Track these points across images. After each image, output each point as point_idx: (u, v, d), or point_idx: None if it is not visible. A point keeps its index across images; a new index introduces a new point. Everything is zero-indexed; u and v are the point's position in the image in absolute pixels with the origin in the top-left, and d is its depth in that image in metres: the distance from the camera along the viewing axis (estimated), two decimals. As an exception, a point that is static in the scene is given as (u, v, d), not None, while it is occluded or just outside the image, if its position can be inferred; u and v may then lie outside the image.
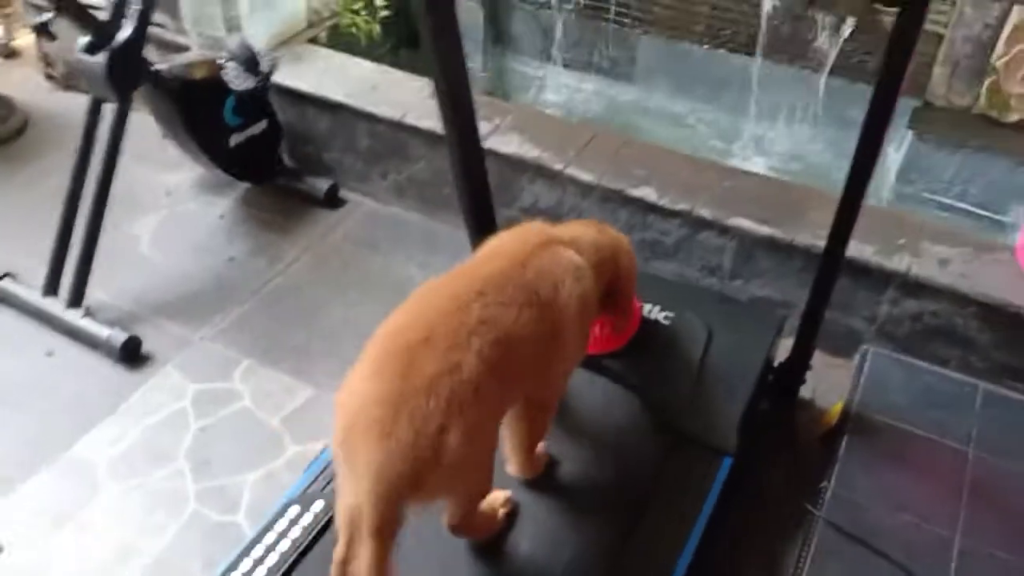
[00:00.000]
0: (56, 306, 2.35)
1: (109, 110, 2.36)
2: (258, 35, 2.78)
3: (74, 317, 2.32)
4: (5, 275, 2.44)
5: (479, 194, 2.13)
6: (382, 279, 2.58)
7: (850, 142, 1.64)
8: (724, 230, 2.25)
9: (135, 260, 2.63)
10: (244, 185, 2.91)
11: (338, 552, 1.32)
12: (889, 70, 1.54)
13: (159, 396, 2.20)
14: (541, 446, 1.67)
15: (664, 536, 1.65)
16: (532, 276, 1.42)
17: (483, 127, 2.04)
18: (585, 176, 2.38)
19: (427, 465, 1.20)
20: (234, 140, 2.66)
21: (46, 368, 2.27)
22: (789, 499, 1.92)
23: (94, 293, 2.40)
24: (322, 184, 2.84)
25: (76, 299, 2.34)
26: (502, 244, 1.55)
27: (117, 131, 2.30)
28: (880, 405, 2.06)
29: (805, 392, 2.16)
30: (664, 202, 2.27)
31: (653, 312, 1.98)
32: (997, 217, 2.70)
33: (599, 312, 1.64)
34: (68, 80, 3.34)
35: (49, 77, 3.40)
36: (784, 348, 2.06)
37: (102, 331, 2.28)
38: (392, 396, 1.20)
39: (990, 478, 1.90)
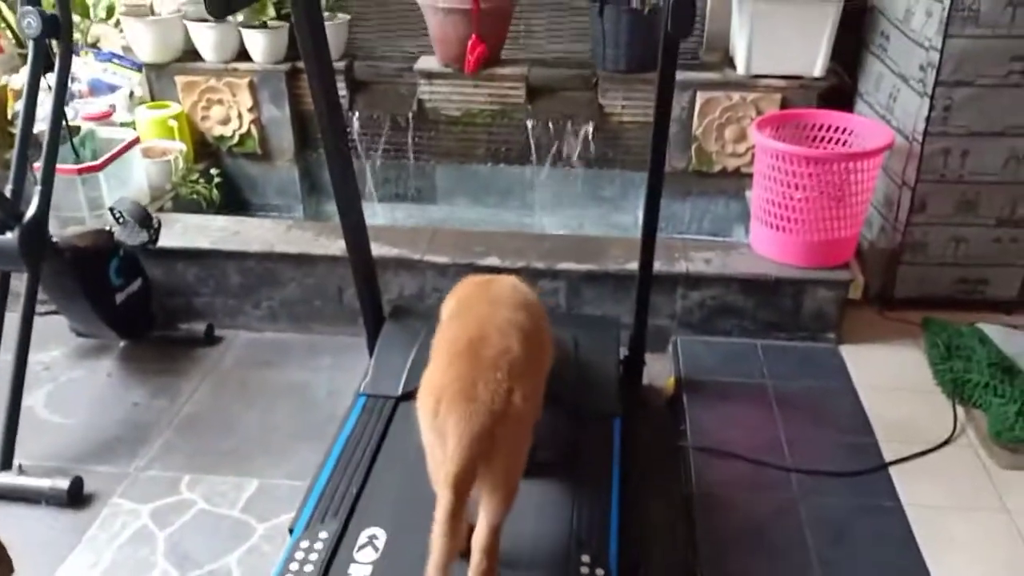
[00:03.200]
0: (-13, 474, 2.46)
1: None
2: (115, 210, 3.14)
3: (11, 479, 2.44)
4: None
5: (371, 288, 2.70)
6: (282, 387, 2.94)
7: (608, 211, 2.40)
8: (555, 274, 2.95)
9: (38, 427, 2.76)
10: (119, 346, 3.15)
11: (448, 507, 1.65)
12: (656, 142, 2.34)
13: (118, 521, 2.38)
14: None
15: (596, 485, 2.13)
16: (516, 292, 2.02)
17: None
18: (440, 259, 2.99)
19: (499, 419, 1.63)
20: (119, 298, 2.94)
21: (-6, 529, 2.36)
22: (662, 443, 2.56)
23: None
24: (199, 326, 3.17)
25: (6, 462, 2.47)
26: (474, 286, 2.10)
27: (30, 300, 2.54)
28: (699, 372, 2.82)
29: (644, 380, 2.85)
30: (507, 264, 2.93)
31: (530, 336, 2.59)
32: (725, 238, 3.67)
33: None
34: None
35: None
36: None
37: (43, 482, 2.42)
38: (469, 373, 1.67)
39: (785, 396, 2.69)
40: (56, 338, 3.12)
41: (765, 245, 2.98)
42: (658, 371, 2.93)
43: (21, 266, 2.51)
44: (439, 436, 1.67)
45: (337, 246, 2.91)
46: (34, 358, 3.06)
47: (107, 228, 2.87)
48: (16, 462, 2.48)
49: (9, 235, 2.48)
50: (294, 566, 1.95)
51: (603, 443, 2.30)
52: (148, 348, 3.15)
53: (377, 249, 3.01)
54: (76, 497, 2.44)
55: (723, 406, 2.63)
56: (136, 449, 2.66)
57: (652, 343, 2.90)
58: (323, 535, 2.03)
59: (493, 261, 2.96)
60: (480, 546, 1.72)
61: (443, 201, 4.01)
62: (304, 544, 2.00)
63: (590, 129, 3.73)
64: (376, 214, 3.96)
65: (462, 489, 1.60)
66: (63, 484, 2.42)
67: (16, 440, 2.51)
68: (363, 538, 1.99)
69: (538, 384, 1.87)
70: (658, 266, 2.88)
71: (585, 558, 1.92)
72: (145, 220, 2.84)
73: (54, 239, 2.67)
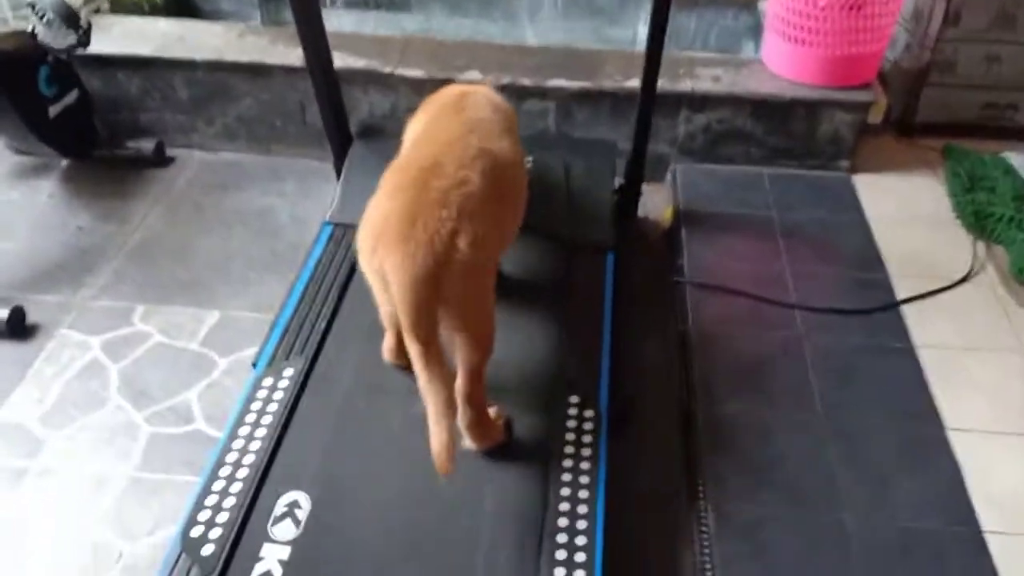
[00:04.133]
0: (-86, 302, 2.23)
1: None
2: (43, 8, 2.73)
3: (-59, 306, 2.22)
4: None
5: (336, 107, 2.40)
6: (242, 212, 2.69)
7: (600, 23, 2.03)
8: (544, 93, 2.63)
9: (-26, 252, 2.52)
10: (62, 165, 2.85)
11: (386, 342, 1.70)
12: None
13: (66, 354, 2.19)
14: (494, 410, 1.69)
15: (587, 322, 1.96)
16: (500, 114, 1.71)
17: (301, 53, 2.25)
18: (414, 73, 2.65)
19: (441, 265, 1.39)
20: (52, 111, 2.61)
21: (-72, 361, 2.17)
22: (658, 278, 2.37)
23: (-55, 289, 2.30)
24: (147, 144, 2.85)
25: (-65, 289, 2.24)
26: (450, 100, 1.77)
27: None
28: (698, 203, 2.58)
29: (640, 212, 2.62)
30: (490, 79, 2.60)
31: (519, 159, 2.33)
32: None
33: None
34: None
35: None
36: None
37: (-21, 312, 2.21)
38: (410, 207, 1.41)
39: (791, 228, 2.47)
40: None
41: (779, 60, 2.66)
42: (656, 202, 2.70)
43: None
44: (378, 277, 1.46)
45: (296, 55, 2.56)
46: (-34, 176, 2.79)
47: (30, 30, 2.48)
48: (-54, 290, 2.25)
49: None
50: (255, 405, 1.78)
51: (595, 278, 2.10)
52: (92, 168, 2.85)
53: (342, 60, 2.66)
54: (17, 328, 2.23)
55: (724, 239, 2.42)
56: (83, 278, 2.43)
57: (650, 171, 2.65)
58: (288, 372, 1.85)
59: (474, 75, 2.63)
60: (462, 394, 1.57)
61: (417, 9, 3.59)
62: (267, 382, 1.83)
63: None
64: (341, 23, 3.54)
65: (423, 335, 1.41)
66: (2, 313, 2.20)
67: (-56, 266, 2.26)
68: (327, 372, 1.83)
69: (502, 222, 1.60)
70: (661, 84, 2.58)
71: (574, 399, 1.77)
72: (72, 19, 2.46)
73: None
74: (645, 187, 2.57)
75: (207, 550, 1.49)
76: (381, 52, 2.74)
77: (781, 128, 2.65)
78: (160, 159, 2.87)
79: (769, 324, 2.15)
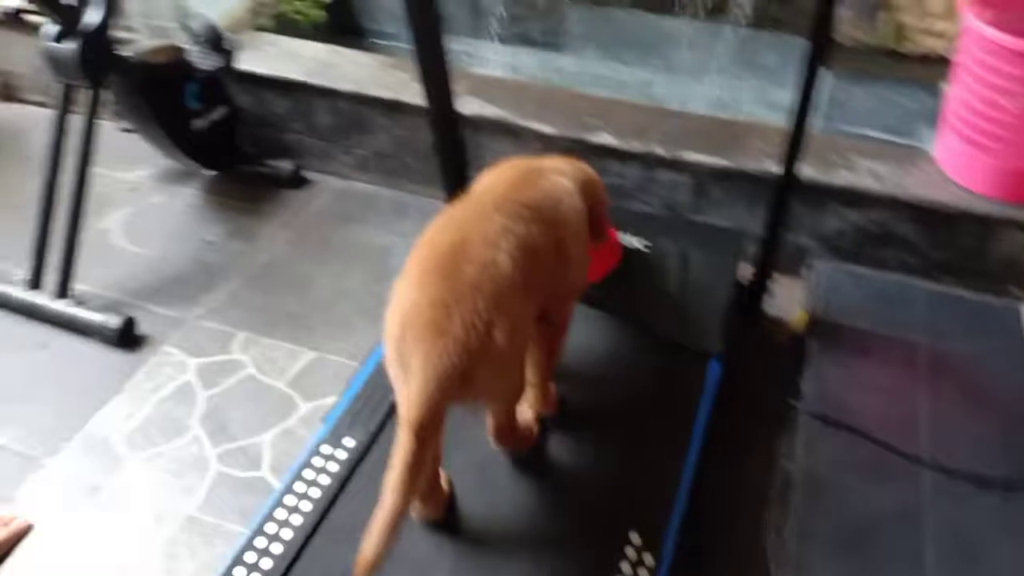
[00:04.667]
0: (43, 299, 2.37)
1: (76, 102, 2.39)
2: (206, 24, 2.84)
3: (65, 307, 2.34)
4: (-17, 276, 2.44)
5: (456, 154, 2.30)
6: (362, 248, 2.68)
7: (766, 85, 1.83)
8: (678, 166, 2.45)
9: (110, 252, 2.66)
10: (207, 174, 2.96)
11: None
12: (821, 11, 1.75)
13: (163, 373, 2.25)
14: (554, 387, 1.78)
15: (669, 442, 1.78)
16: (535, 196, 1.57)
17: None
18: (546, 129, 2.54)
19: (478, 359, 1.31)
20: (196, 125, 2.71)
21: (44, 359, 2.29)
22: (771, 396, 2.13)
23: (75, 286, 2.41)
24: (286, 166, 2.91)
25: (63, 290, 2.36)
26: (499, 174, 1.67)
27: (91, 118, 2.33)
28: (837, 311, 2.28)
29: (769, 309, 2.38)
30: (621, 145, 2.45)
31: (633, 242, 2.16)
32: (907, 142, 2.98)
33: None
34: (7, 90, 3.30)
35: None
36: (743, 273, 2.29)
37: (95, 317, 2.31)
38: (443, 297, 1.32)
39: (940, 360, 2.14)
40: (147, 158, 2.95)
41: (954, 162, 2.33)
42: (788, 300, 2.44)
43: (82, 79, 2.28)
44: (403, 367, 1.34)
45: (434, 96, 2.51)
46: (122, 176, 2.97)
47: (183, 46, 2.58)
48: (73, 290, 2.37)
49: (70, 45, 2.24)
50: (307, 473, 1.74)
51: (690, 388, 1.91)
52: (233, 182, 2.95)
53: (476, 106, 2.60)
54: (126, 338, 2.32)
55: (858, 361, 2.13)
56: (198, 295, 2.50)
57: (786, 263, 2.41)
58: (348, 443, 1.79)
59: (606, 139, 2.48)
60: (493, 436, 1.65)
61: (571, 49, 3.47)
62: (325, 449, 1.78)
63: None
64: (489, 59, 3.48)
65: (424, 436, 1.30)
66: (115, 322, 2.30)
67: (74, 267, 2.39)
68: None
69: (534, 307, 1.49)
70: (809, 172, 2.34)
71: (634, 537, 1.59)
72: (217, 43, 2.54)
73: (126, 55, 2.42)
74: (779, 280, 2.33)
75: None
76: (516, 101, 2.65)
77: (947, 240, 2.32)
78: (296, 181, 2.93)
79: (888, 477, 1.86)
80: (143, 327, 2.37)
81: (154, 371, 2.26)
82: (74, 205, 2.36)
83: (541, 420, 1.76)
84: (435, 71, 2.14)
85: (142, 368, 2.27)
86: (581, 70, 3.44)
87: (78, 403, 2.15)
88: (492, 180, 1.67)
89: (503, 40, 3.54)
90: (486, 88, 2.70)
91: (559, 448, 1.75)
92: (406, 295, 1.38)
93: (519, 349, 1.45)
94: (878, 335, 2.22)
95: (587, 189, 1.74)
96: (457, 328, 1.30)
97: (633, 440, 1.78)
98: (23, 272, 2.42)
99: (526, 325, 1.47)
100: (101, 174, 2.88)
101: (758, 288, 2.29)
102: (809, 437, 1.95)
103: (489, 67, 3.52)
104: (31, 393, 2.19)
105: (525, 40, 3.50)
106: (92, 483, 1.97)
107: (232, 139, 2.89)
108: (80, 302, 2.36)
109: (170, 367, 2.27)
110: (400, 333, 1.35)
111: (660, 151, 2.44)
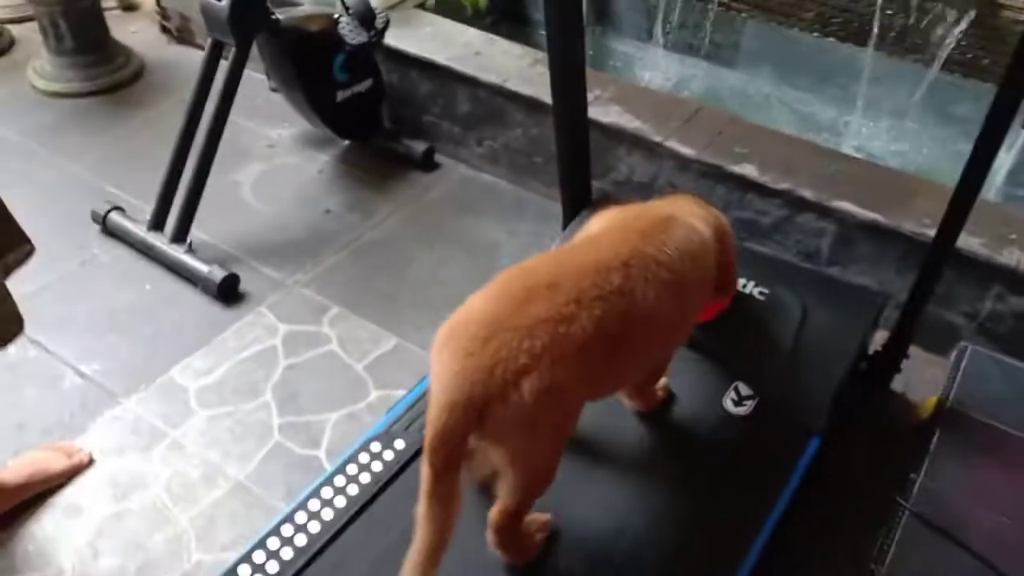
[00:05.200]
0: (160, 240, 2.44)
1: (225, 55, 2.45)
2: (369, -2, 2.85)
3: (177, 251, 2.40)
4: (115, 208, 2.54)
5: (579, 162, 2.18)
6: (472, 241, 2.61)
7: (955, 137, 1.57)
8: (825, 212, 2.19)
9: (236, 205, 2.72)
10: (343, 142, 2.98)
11: None
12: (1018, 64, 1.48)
13: (251, 333, 2.27)
14: (663, 380, 1.74)
15: (743, 512, 1.60)
16: (674, 254, 1.38)
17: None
18: (685, 150, 2.35)
19: (493, 398, 1.17)
20: (340, 96, 2.71)
21: (148, 299, 2.37)
22: (875, 488, 1.87)
23: (195, 233, 2.47)
24: (419, 146, 2.87)
25: (180, 235, 2.43)
26: (628, 219, 1.49)
27: (234, 75, 2.37)
28: (976, 403, 1.98)
29: (897, 384, 2.10)
30: (765, 180, 2.23)
31: (748, 287, 1.95)
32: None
33: None
34: (182, 33, 3.47)
35: (164, 30, 3.54)
36: (878, 340, 2.02)
37: (202, 267, 2.36)
38: (493, 321, 1.20)
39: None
40: (291, 117, 3.00)
41: None
42: (920, 382, 2.14)
43: (229, 36, 2.33)
44: (436, 377, 1.23)
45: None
46: (264, 132, 3.04)
47: (336, 16, 2.58)
48: (188, 240, 2.43)
49: (223, 2, 2.28)
50: (351, 468, 1.67)
51: (778, 464, 1.69)
52: (366, 154, 2.95)
53: (616, 116, 2.45)
54: (228, 292, 2.36)
55: (985, 467, 1.83)
56: (304, 261, 2.51)
57: (931, 339, 2.12)
58: (398, 444, 1.72)
59: (749, 171, 2.26)
60: (491, 522, 1.39)
61: (743, 67, 3.23)
62: (375, 447, 1.72)
63: (967, 18, 2.71)
64: (652, 65, 3.31)
65: (438, 465, 1.18)
66: (219, 275, 2.34)
67: (196, 214, 2.44)
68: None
69: (600, 380, 1.34)
70: (975, 244, 2.04)
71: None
72: (368, 19, 2.51)
73: (279, 17, 2.45)
74: (916, 353, 2.05)
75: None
76: (662, 116, 2.47)
77: None
78: (427, 164, 2.89)
79: (994, 612, 1.58)
80: (246, 284, 2.40)
81: (245, 330, 2.28)
82: (203, 155, 2.41)
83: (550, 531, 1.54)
84: (568, 71, 2.02)
85: (235, 324, 2.29)
86: (744, 88, 3.20)
87: (167, 348, 2.20)
88: (622, 226, 1.46)
89: (670, 47, 3.36)
90: (631, 96, 2.54)
91: (629, 494, 1.62)
92: (472, 304, 1.27)
93: (551, 421, 1.25)
94: (1017, 439, 1.90)
95: (720, 239, 1.56)
96: (487, 356, 1.17)
97: (705, 517, 1.59)
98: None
99: (574, 403, 1.30)
100: (247, 128, 2.99)
101: (888, 361, 2.02)
102: (907, 539, 1.69)
103: (647, 71, 3.36)
104: (127, 328, 2.27)
105: (692, 50, 3.30)
106: (158, 430, 2.00)
107: (373, 113, 2.88)
108: (192, 250, 2.42)
109: (261, 328, 2.28)
110: (441, 344, 1.24)
111: (807, 193, 2.19)
